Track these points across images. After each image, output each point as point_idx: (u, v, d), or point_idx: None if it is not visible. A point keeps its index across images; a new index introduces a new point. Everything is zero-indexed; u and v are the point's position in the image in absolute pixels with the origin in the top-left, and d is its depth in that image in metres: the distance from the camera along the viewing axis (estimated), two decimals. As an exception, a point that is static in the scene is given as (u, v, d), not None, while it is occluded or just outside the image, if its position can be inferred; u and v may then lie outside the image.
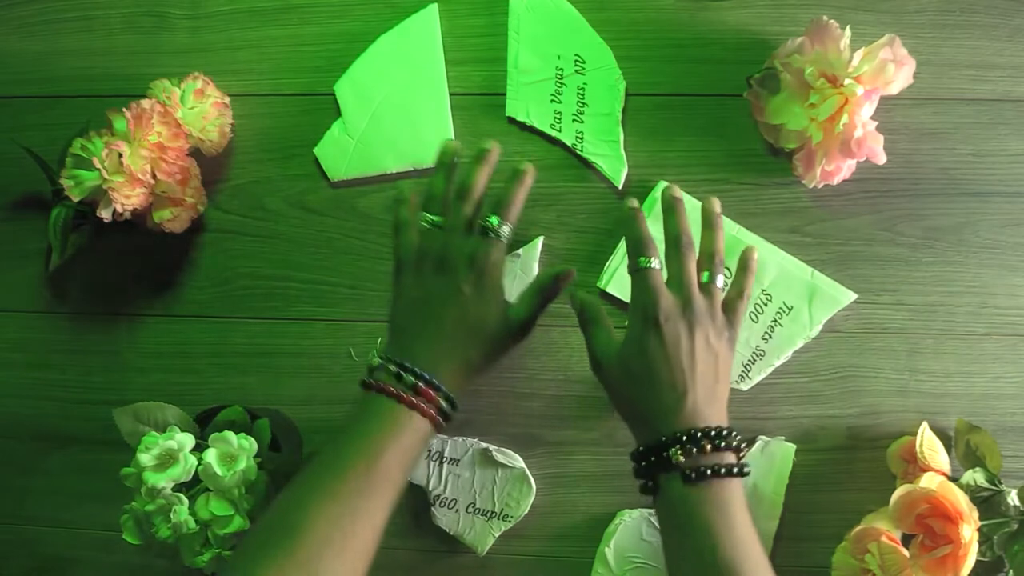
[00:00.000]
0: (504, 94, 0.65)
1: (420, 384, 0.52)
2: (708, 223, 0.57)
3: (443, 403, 0.52)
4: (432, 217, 0.56)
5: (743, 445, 0.50)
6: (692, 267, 0.54)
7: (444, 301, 0.54)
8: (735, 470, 0.48)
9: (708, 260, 0.55)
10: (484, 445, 0.65)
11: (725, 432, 0.49)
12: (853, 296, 0.63)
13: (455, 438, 0.65)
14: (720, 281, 0.55)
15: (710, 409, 0.50)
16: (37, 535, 0.69)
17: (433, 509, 0.65)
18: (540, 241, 0.65)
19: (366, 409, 0.52)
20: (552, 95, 0.65)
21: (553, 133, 0.65)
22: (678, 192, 0.57)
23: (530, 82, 0.65)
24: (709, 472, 0.48)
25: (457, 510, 0.65)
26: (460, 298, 0.54)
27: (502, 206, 0.56)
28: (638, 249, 0.54)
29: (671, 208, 0.56)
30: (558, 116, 0.65)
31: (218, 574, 0.58)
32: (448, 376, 0.53)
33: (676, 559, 0.49)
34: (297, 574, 0.46)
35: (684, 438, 0.49)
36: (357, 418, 0.52)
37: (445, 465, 0.65)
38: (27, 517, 0.69)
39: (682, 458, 0.48)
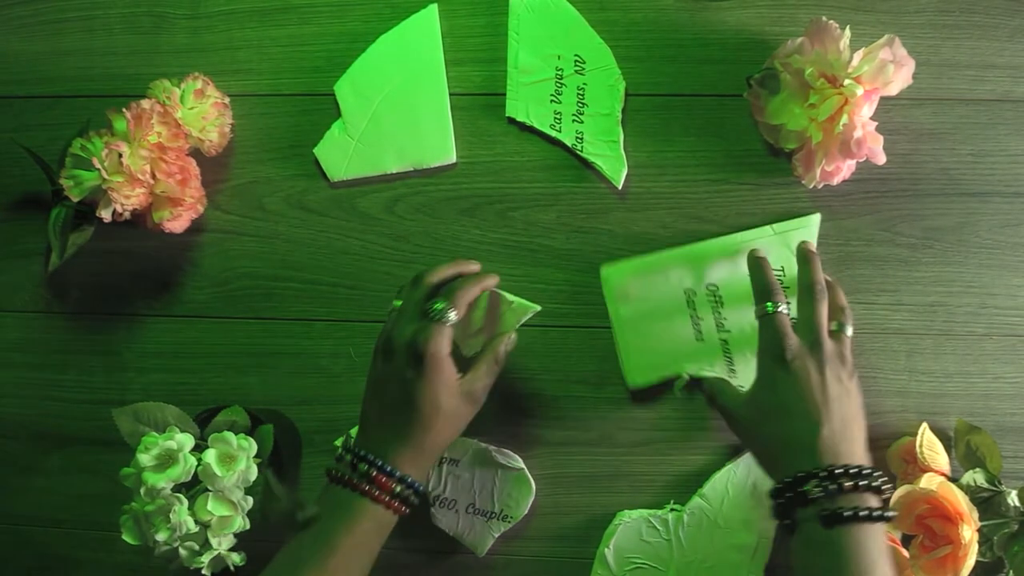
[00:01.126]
0: (504, 94, 0.65)
1: (373, 472, 0.53)
2: (832, 283, 0.58)
3: (398, 487, 0.53)
4: (396, 303, 0.58)
5: (887, 487, 0.49)
6: (824, 313, 0.55)
7: (387, 386, 0.55)
8: (877, 514, 0.47)
9: (839, 312, 0.57)
10: (484, 445, 0.65)
11: (867, 471, 0.48)
12: (817, 215, 0.63)
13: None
14: (850, 331, 0.56)
15: (848, 446, 0.50)
16: (37, 535, 0.69)
17: (433, 509, 0.65)
18: (532, 312, 0.60)
19: (326, 501, 0.53)
20: (552, 95, 0.65)
21: (553, 133, 0.65)
22: (813, 246, 0.59)
23: (530, 82, 0.65)
24: (849, 514, 0.47)
25: (457, 511, 0.65)
26: (402, 383, 0.54)
27: (451, 292, 0.56)
28: (765, 295, 0.56)
29: (806, 259, 0.58)
30: (558, 116, 0.65)
31: None
32: (403, 460, 0.54)
33: None
34: None
35: (823, 473, 0.48)
36: (320, 511, 0.53)
37: (445, 465, 0.65)
38: (27, 517, 0.69)
39: (820, 493, 0.48)
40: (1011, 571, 0.57)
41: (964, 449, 0.61)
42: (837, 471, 0.48)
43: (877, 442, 0.63)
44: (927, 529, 0.56)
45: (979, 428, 0.61)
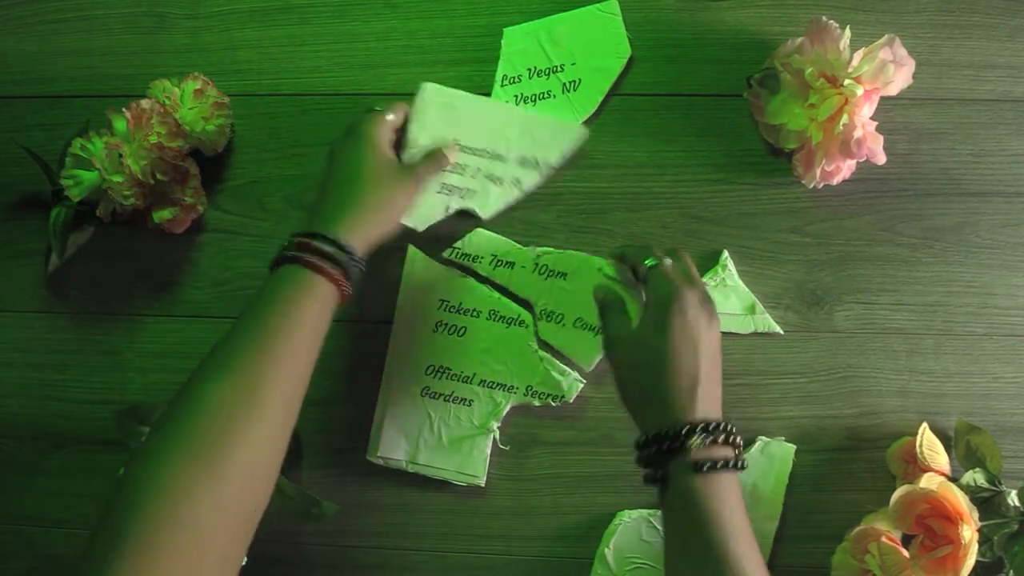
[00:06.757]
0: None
1: (322, 246, 0.53)
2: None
3: (328, 248, 0.53)
4: None
5: (740, 441, 0.51)
6: (693, 265, 0.56)
7: (331, 170, 0.58)
8: (739, 464, 0.50)
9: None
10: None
11: (730, 427, 0.50)
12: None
13: None
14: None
15: (713, 404, 0.51)
16: (37, 535, 0.69)
17: (539, 323, 0.64)
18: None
19: (275, 279, 0.53)
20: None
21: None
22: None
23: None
24: (719, 465, 0.49)
25: (564, 323, 0.64)
26: (345, 161, 0.57)
27: (392, 104, 0.61)
28: (643, 254, 0.56)
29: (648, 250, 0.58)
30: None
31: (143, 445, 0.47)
32: (346, 229, 0.54)
33: (683, 551, 0.49)
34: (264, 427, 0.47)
35: (702, 428, 0.49)
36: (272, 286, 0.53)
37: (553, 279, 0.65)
38: (27, 517, 0.69)
39: (701, 446, 0.49)
40: (1011, 571, 0.57)
41: (964, 449, 0.61)
42: (710, 426, 0.50)
43: (877, 442, 0.64)
44: (927, 529, 0.56)
45: (979, 428, 0.61)
